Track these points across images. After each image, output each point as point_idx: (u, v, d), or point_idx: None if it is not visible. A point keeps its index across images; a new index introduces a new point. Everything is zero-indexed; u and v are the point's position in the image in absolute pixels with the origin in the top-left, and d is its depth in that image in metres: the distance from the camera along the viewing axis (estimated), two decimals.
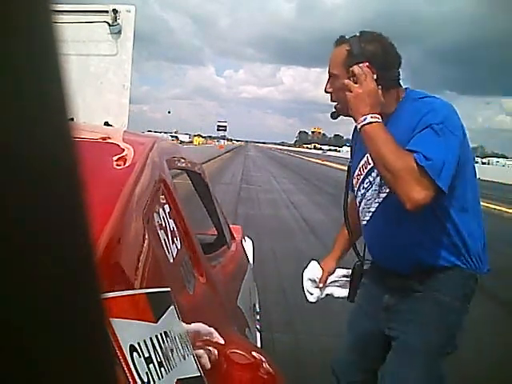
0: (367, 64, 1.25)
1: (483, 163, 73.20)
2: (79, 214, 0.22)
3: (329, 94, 1.39)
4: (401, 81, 1.36)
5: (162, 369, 0.58)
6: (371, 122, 1.22)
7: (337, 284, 1.64)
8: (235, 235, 1.99)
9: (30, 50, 0.20)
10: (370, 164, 1.37)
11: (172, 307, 0.68)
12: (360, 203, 1.45)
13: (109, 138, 1.06)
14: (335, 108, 1.39)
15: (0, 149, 0.18)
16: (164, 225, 0.83)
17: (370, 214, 1.41)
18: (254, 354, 0.98)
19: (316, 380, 2.43)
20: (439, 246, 1.32)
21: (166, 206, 0.90)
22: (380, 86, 1.25)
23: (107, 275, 0.57)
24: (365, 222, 1.45)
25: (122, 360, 0.50)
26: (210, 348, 0.83)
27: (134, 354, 0.52)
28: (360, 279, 1.56)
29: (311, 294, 1.64)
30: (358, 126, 1.25)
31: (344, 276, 1.63)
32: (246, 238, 2.47)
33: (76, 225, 0.22)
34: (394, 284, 1.41)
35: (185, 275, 0.87)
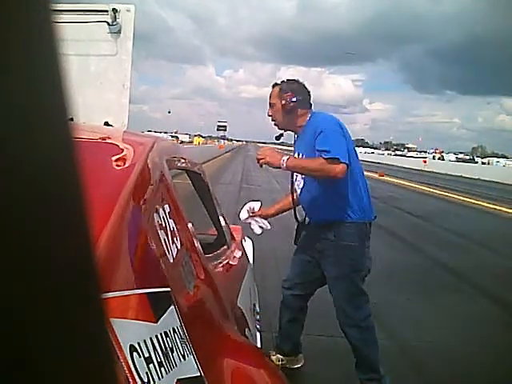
0: (290, 93, 2.10)
1: (483, 163, 73.02)
2: (79, 213, 0.22)
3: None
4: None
5: (162, 369, 0.58)
6: (287, 159, 2.00)
7: (259, 224, 2.43)
8: (235, 235, 1.99)
9: (30, 49, 0.19)
10: None
11: (172, 307, 0.68)
12: (294, 182, 2.32)
13: (109, 138, 1.06)
14: (276, 125, 2.22)
15: (0, 149, 0.18)
16: (164, 225, 0.83)
17: (300, 189, 2.26)
18: (253, 353, 0.98)
19: (316, 380, 2.44)
20: (340, 205, 2.08)
21: (166, 206, 0.90)
22: (294, 100, 2.10)
23: (107, 275, 0.57)
24: (299, 192, 2.29)
25: (122, 360, 0.50)
26: (210, 348, 0.83)
27: (134, 353, 0.52)
28: (300, 230, 2.36)
29: (241, 213, 2.47)
30: (283, 167, 2.00)
31: (263, 222, 2.45)
32: (245, 237, 2.47)
33: (76, 225, 0.22)
34: (319, 234, 2.16)
35: (185, 275, 0.87)
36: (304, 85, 2.18)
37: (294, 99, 2.10)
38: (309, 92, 2.18)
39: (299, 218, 2.40)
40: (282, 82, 2.17)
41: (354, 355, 2.21)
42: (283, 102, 2.10)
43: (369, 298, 2.17)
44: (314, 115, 2.15)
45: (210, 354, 0.81)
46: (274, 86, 2.19)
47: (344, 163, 1.89)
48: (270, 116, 2.19)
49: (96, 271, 0.23)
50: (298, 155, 2.17)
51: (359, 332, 2.15)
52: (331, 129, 2.01)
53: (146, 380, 0.53)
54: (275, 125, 2.22)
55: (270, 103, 2.18)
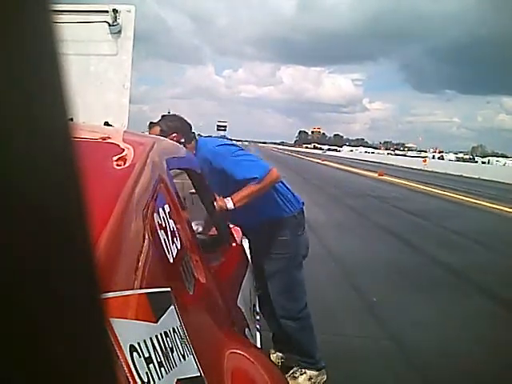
0: (175, 135, 1.98)
1: (483, 162, 72.93)
2: (79, 213, 0.22)
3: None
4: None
5: (162, 369, 0.58)
6: (230, 199, 1.98)
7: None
8: (235, 235, 1.99)
9: (30, 49, 0.19)
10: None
11: (172, 307, 0.68)
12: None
13: (109, 137, 1.06)
14: None
15: (0, 148, 0.18)
16: (164, 225, 0.83)
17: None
18: (254, 353, 0.98)
19: None
20: (265, 210, 2.14)
21: (166, 206, 0.90)
22: (183, 140, 2.00)
23: (107, 275, 0.57)
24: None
25: (122, 360, 0.50)
26: (210, 348, 0.83)
27: (134, 354, 0.52)
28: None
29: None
30: (231, 206, 1.98)
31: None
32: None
33: (76, 225, 0.22)
34: (255, 235, 2.22)
35: (185, 275, 0.87)
36: (182, 118, 2.12)
37: (183, 140, 2.02)
38: (189, 124, 2.12)
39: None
40: (160, 120, 2.05)
41: (289, 342, 2.28)
42: None
43: (305, 290, 2.25)
44: (199, 146, 2.10)
45: (210, 354, 0.81)
46: (151, 127, 2.06)
47: (270, 169, 2.02)
48: None
49: (96, 271, 0.23)
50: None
51: (296, 323, 2.22)
52: (229, 155, 2.01)
53: (145, 380, 0.53)
54: None
55: None
